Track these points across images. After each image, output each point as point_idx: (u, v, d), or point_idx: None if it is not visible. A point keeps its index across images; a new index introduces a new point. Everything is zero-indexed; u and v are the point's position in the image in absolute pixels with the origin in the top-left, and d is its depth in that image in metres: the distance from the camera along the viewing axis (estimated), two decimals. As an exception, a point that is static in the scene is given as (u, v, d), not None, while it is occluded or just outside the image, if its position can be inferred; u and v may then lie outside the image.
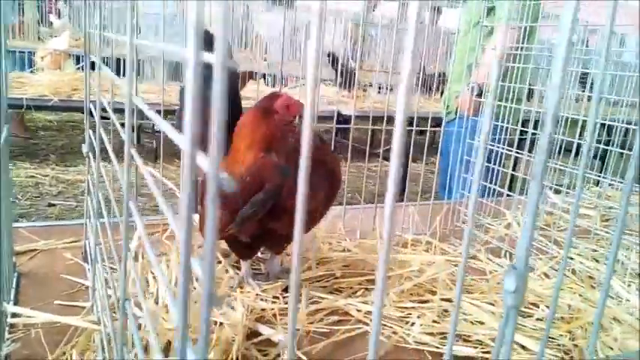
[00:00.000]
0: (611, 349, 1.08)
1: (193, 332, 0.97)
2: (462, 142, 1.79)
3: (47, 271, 1.19)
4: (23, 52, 5.17)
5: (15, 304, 1.02)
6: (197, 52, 0.30)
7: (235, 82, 1.24)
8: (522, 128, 1.74)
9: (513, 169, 1.87)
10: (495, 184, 1.78)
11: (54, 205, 3.65)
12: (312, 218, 1.14)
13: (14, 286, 1.07)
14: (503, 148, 1.74)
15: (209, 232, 0.29)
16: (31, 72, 4.82)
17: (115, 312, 1.03)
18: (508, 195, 1.75)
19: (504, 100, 1.73)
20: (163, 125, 0.42)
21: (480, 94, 2.15)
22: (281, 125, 1.09)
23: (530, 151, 1.75)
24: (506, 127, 1.74)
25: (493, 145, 1.74)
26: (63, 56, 4.85)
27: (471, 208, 0.44)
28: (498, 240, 1.60)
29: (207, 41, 1.16)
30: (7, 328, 0.95)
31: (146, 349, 0.92)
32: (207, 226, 0.30)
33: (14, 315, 0.98)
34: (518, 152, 1.76)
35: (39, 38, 5.99)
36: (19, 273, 1.13)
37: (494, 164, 1.77)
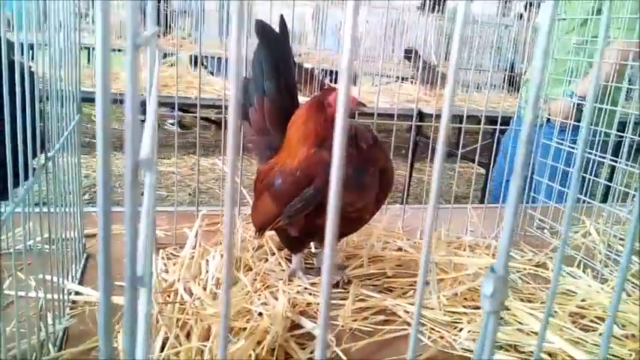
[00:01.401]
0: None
1: (236, 320, 1.00)
2: (549, 150, 1.68)
3: (114, 254, 1.27)
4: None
5: (79, 283, 1.10)
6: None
7: (292, 75, 1.25)
8: (619, 133, 1.61)
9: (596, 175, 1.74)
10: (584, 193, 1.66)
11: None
12: (361, 217, 1.13)
13: (81, 266, 1.16)
14: (596, 155, 1.61)
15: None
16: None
17: (168, 295, 1.09)
18: (588, 202, 1.63)
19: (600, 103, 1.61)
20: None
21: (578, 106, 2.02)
22: (333, 120, 1.08)
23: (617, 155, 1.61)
24: (599, 132, 1.61)
25: (591, 153, 1.61)
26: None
27: (566, 223, 0.41)
28: (574, 248, 1.50)
29: (271, 38, 1.15)
30: (69, 305, 1.03)
31: (189, 333, 0.95)
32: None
33: (77, 293, 1.06)
34: (612, 159, 1.63)
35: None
36: (88, 254, 1.22)
37: (590, 173, 1.65)
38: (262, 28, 1.20)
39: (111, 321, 0.37)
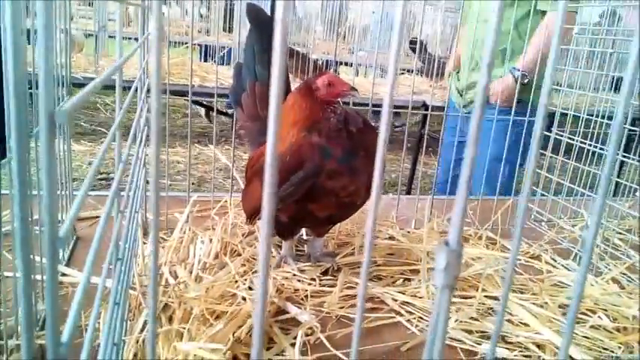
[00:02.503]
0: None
1: (219, 304, 0.99)
2: (489, 133, 1.64)
3: (104, 237, 1.27)
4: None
5: (67, 265, 1.10)
6: None
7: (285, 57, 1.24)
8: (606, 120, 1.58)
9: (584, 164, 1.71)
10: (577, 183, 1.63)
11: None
12: (353, 202, 1.12)
13: (70, 248, 1.16)
14: (595, 146, 1.58)
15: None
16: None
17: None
18: (588, 195, 1.61)
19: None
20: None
21: (528, 83, 1.98)
22: (323, 104, 1.07)
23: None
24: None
25: (592, 145, 1.57)
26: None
27: (522, 203, 0.40)
28: (570, 241, 1.48)
29: (262, 21, 1.14)
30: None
31: (171, 317, 0.95)
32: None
33: (63, 275, 1.06)
34: (594, 146, 1.60)
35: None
36: (77, 237, 1.22)
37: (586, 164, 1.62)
38: (254, 12, 1.18)
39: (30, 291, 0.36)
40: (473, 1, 2.33)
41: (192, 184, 4.08)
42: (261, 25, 1.19)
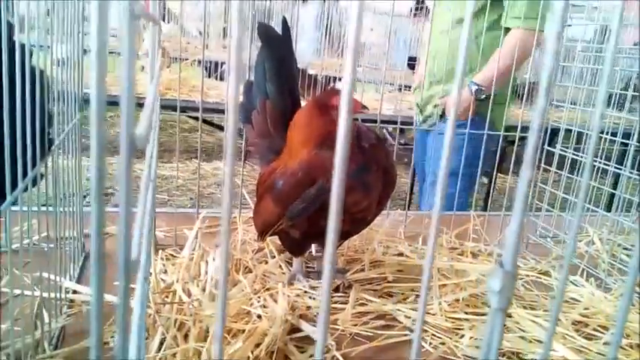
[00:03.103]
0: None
1: (235, 322, 0.99)
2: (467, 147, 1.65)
3: (114, 254, 1.26)
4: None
5: (77, 282, 1.09)
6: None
7: (295, 77, 1.24)
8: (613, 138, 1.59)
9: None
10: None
11: (146, 197, 3.89)
12: (364, 218, 1.12)
13: (79, 265, 1.15)
14: (600, 162, 1.60)
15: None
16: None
17: (166, 296, 1.07)
18: (593, 210, 1.62)
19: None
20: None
21: (485, 99, 1.99)
22: (337, 122, 1.07)
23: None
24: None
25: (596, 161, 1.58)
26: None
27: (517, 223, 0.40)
28: (577, 257, 1.48)
29: (272, 39, 1.14)
30: (66, 303, 1.01)
31: (186, 335, 0.94)
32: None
33: (75, 292, 1.05)
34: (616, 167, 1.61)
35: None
36: (87, 254, 1.21)
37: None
38: (265, 31, 1.19)
39: (101, 317, 0.36)
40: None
41: (191, 199, 4.07)
42: (272, 42, 1.20)
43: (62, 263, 1.00)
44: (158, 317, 0.95)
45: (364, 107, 1.09)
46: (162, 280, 1.11)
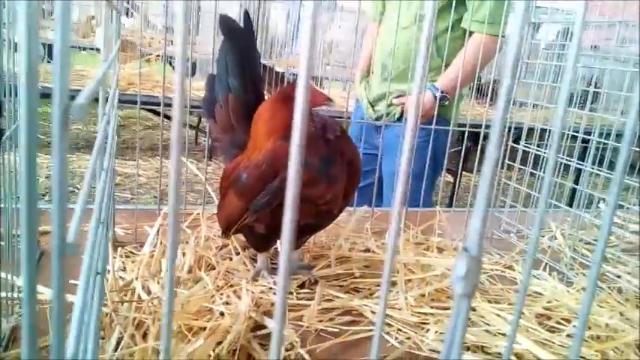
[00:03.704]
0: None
1: (196, 319, 0.96)
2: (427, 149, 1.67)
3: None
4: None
5: (31, 280, 1.04)
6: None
7: (257, 70, 1.22)
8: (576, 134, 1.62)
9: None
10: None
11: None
12: (329, 210, 1.10)
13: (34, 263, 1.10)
14: (563, 158, 1.61)
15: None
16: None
17: (125, 294, 1.03)
18: (556, 205, 1.64)
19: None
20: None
21: (443, 100, 2.00)
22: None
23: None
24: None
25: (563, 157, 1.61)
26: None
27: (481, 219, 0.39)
28: (540, 252, 1.50)
29: (235, 32, 1.10)
30: (18, 303, 0.97)
31: (145, 333, 0.91)
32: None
33: (28, 290, 1.00)
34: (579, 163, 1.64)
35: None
36: (42, 251, 1.16)
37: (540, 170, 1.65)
38: (226, 23, 1.16)
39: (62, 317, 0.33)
40: (386, 1, 2.27)
41: (155, 197, 3.99)
42: (234, 36, 1.17)
43: (14, 261, 0.96)
44: (115, 316, 0.92)
45: (329, 100, 1.08)
46: (120, 277, 1.07)
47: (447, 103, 2.02)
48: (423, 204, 1.69)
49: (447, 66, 2.04)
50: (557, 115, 0.40)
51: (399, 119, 2.16)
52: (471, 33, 1.98)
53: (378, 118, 2.16)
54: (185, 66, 0.32)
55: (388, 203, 2.04)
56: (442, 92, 2.01)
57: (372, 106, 2.28)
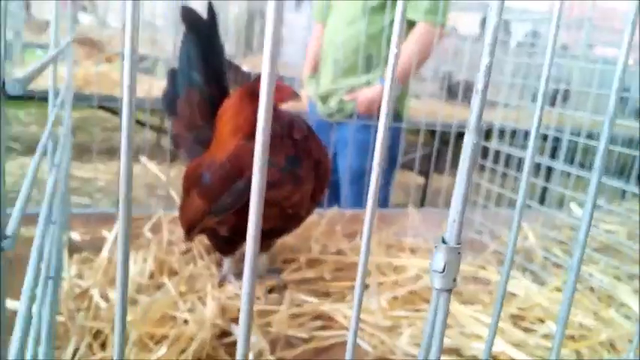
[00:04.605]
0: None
1: (159, 327, 0.90)
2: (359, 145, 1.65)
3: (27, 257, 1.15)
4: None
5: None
6: None
7: (221, 64, 1.17)
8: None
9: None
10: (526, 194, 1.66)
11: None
12: (297, 212, 1.06)
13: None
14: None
15: None
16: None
17: (81, 302, 0.97)
18: (527, 205, 1.63)
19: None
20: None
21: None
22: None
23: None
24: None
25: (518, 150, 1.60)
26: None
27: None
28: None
29: (198, 25, 1.03)
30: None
31: (104, 343, 0.85)
32: None
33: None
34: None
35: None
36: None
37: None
38: (188, 15, 1.12)
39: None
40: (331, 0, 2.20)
41: (114, 202, 3.86)
42: (197, 29, 1.12)
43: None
44: (71, 324, 0.86)
45: (295, 95, 1.03)
46: (76, 285, 1.01)
47: (398, 94, 2.00)
48: (382, 201, 1.67)
49: None
50: (535, 116, 0.38)
51: (351, 115, 2.11)
52: (413, 23, 1.97)
53: (330, 115, 2.11)
54: (136, 58, 0.30)
55: (345, 202, 1.99)
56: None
57: (323, 103, 2.21)
